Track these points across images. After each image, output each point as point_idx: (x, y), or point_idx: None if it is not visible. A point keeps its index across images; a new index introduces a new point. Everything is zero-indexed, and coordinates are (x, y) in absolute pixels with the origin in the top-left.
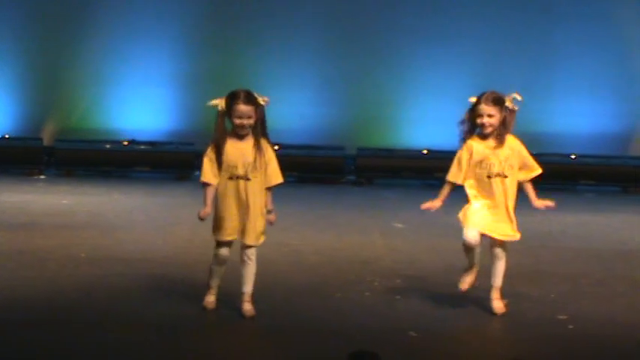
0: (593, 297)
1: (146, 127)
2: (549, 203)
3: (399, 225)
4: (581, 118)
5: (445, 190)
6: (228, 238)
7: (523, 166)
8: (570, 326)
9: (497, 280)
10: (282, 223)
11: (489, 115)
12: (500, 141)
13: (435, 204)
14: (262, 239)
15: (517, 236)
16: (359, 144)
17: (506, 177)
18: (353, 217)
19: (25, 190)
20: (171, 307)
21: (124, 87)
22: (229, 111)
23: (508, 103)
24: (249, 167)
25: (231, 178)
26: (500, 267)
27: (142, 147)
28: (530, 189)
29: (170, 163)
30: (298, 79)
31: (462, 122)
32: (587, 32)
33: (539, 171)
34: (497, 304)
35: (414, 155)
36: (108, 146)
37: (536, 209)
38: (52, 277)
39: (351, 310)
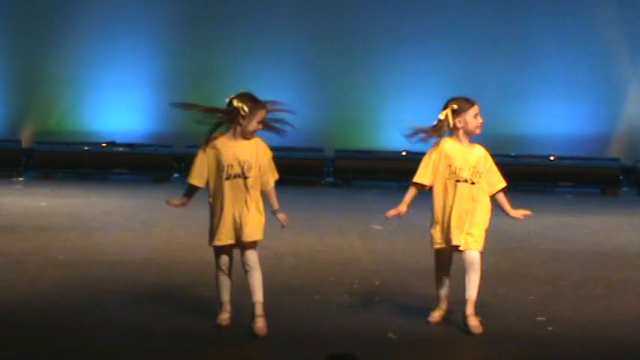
0: (572, 298)
1: (124, 129)
2: (526, 212)
3: (378, 227)
4: (559, 119)
5: (408, 195)
6: (226, 242)
7: (489, 179)
8: (549, 328)
9: (472, 292)
10: None
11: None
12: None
13: (401, 209)
14: (260, 236)
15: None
16: (337, 146)
17: (473, 184)
18: (331, 219)
19: (3, 192)
20: (149, 310)
21: (102, 89)
22: (252, 115)
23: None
24: (246, 166)
25: (228, 178)
26: (474, 278)
27: (121, 149)
28: (503, 200)
29: (148, 165)
30: (276, 81)
31: (437, 125)
32: (564, 34)
33: (503, 184)
34: (473, 322)
35: (392, 157)
36: (86, 148)
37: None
38: (30, 279)
39: (330, 312)
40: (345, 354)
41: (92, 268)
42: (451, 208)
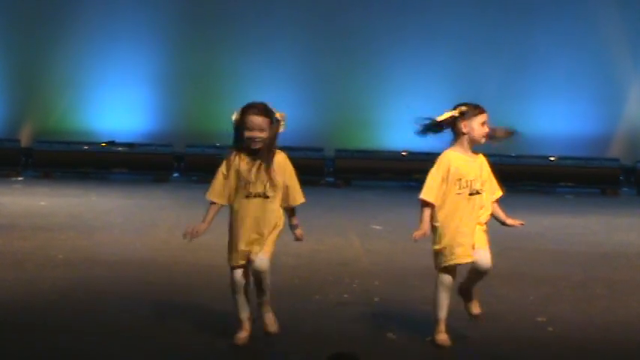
0: (572, 299)
1: (124, 129)
2: (520, 222)
3: (377, 227)
4: (559, 120)
5: (427, 214)
6: (241, 263)
7: (488, 187)
8: (549, 328)
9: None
10: None
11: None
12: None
13: (425, 230)
14: (268, 256)
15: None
16: (337, 145)
17: (481, 193)
18: (331, 219)
19: (2, 191)
20: (149, 310)
21: (102, 88)
22: (242, 123)
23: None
24: (268, 184)
25: (247, 196)
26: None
27: (120, 148)
28: (498, 209)
29: (148, 164)
30: (277, 80)
31: (437, 125)
32: (565, 33)
33: (500, 193)
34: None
35: (392, 157)
36: (86, 148)
37: (509, 226)
38: (29, 279)
39: (330, 312)
40: (345, 354)
41: (92, 267)
42: (464, 221)
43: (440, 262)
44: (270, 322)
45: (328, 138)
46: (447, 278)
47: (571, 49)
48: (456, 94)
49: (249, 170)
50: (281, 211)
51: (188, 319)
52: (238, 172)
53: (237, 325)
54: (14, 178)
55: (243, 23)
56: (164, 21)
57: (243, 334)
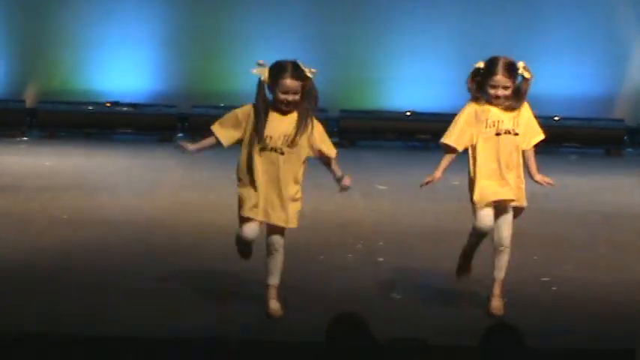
0: (576, 259)
1: (128, 89)
2: (550, 181)
3: (382, 187)
4: (563, 80)
5: (445, 160)
6: (251, 215)
7: (527, 130)
8: (553, 288)
9: (500, 273)
10: None
11: (505, 87)
12: (513, 109)
13: (436, 176)
14: (293, 224)
15: (524, 204)
16: (342, 106)
17: (517, 134)
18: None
19: (7, 152)
20: (153, 270)
21: (106, 49)
22: (273, 83)
23: (522, 71)
24: (285, 140)
25: (263, 149)
26: (504, 259)
27: (125, 109)
28: (532, 159)
29: (152, 125)
30: (281, 40)
31: (469, 87)
32: None
33: (542, 136)
34: (497, 303)
35: (397, 117)
36: (90, 108)
37: (535, 182)
38: (33, 239)
39: (334, 273)
40: (350, 315)
41: (96, 228)
42: (491, 166)
43: (473, 212)
44: (276, 308)
45: (332, 98)
46: (478, 223)
47: (575, 9)
48: (461, 54)
49: (272, 126)
50: (300, 170)
51: (191, 280)
52: (257, 125)
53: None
54: (19, 139)
55: None
56: None
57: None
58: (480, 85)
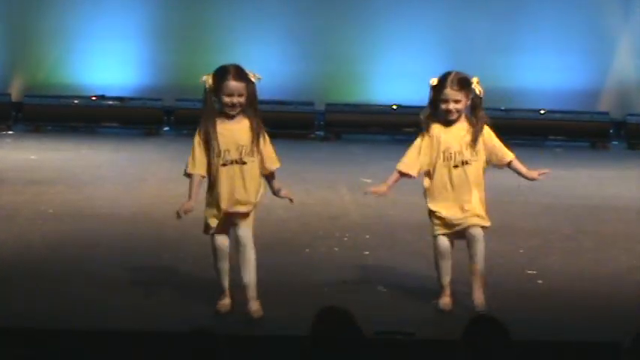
0: (562, 252)
1: (114, 83)
2: (545, 170)
3: (367, 180)
4: (549, 72)
5: (393, 177)
6: (222, 229)
7: (494, 156)
8: (539, 281)
9: (478, 266)
10: None
11: (455, 101)
12: (475, 133)
13: (381, 189)
14: (256, 200)
15: (487, 223)
16: (328, 99)
17: (470, 164)
18: (321, 173)
19: None
20: (140, 264)
21: (92, 42)
22: (217, 88)
23: (475, 86)
24: (244, 150)
25: (224, 164)
26: (479, 249)
27: (110, 102)
28: (518, 166)
29: (138, 118)
30: (267, 33)
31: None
32: None
33: (511, 157)
34: (479, 296)
35: (383, 110)
36: (76, 102)
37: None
38: (20, 233)
39: (320, 266)
40: (336, 308)
41: (82, 221)
42: (446, 196)
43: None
44: (255, 308)
45: (319, 92)
46: (439, 245)
47: (561, 2)
48: (445, 47)
49: (227, 136)
50: (261, 178)
51: (177, 274)
52: (212, 141)
53: (220, 292)
54: (4, 133)
55: None
56: None
57: (226, 301)
58: (434, 104)
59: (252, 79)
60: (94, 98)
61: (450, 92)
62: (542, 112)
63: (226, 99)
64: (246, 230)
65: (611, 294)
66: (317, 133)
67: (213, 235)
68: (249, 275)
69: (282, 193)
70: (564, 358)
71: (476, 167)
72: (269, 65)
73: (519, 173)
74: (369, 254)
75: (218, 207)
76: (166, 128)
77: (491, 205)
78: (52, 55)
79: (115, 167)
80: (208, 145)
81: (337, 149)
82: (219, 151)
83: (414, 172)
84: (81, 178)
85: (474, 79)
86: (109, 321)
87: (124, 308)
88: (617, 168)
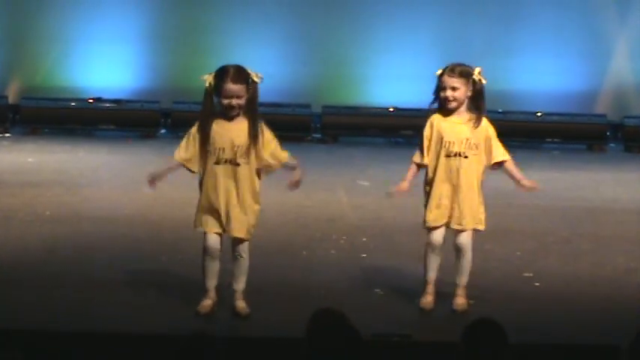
0: (559, 254)
1: (111, 85)
2: (535, 186)
3: (365, 183)
4: (546, 75)
5: (412, 172)
6: (213, 231)
7: (488, 152)
8: (536, 284)
9: (463, 278)
10: None
11: (453, 88)
12: (475, 123)
13: (403, 187)
14: (252, 231)
15: (481, 227)
16: (325, 102)
17: (466, 157)
18: (318, 175)
19: None
20: (137, 266)
21: (89, 45)
22: (217, 89)
23: (476, 76)
24: (239, 151)
25: (217, 162)
26: (465, 263)
27: (107, 105)
28: (512, 169)
29: (135, 121)
30: (264, 36)
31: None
32: None
33: (505, 157)
34: (460, 301)
35: (380, 113)
36: (73, 104)
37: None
38: (17, 235)
39: (317, 268)
40: (332, 310)
41: (80, 224)
42: (443, 185)
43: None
44: (242, 306)
45: (315, 94)
46: (431, 238)
47: (557, 5)
48: (442, 49)
49: (224, 135)
50: (256, 178)
51: (175, 276)
52: (209, 138)
53: (203, 292)
54: (2, 135)
55: None
56: None
57: (207, 302)
58: (437, 94)
59: (256, 79)
60: (91, 101)
61: (447, 79)
62: (538, 114)
63: (224, 101)
64: (244, 244)
65: (608, 296)
66: (314, 135)
67: (205, 234)
68: (240, 283)
69: (296, 175)
70: None
71: (474, 162)
72: (266, 67)
73: (512, 177)
74: (366, 256)
75: (210, 206)
76: (163, 131)
77: (488, 207)
78: (50, 57)
79: (112, 169)
80: (203, 142)
81: (334, 152)
82: (214, 149)
83: (425, 161)
84: (78, 180)
85: (476, 69)
86: (106, 323)
87: (121, 310)
88: (614, 170)
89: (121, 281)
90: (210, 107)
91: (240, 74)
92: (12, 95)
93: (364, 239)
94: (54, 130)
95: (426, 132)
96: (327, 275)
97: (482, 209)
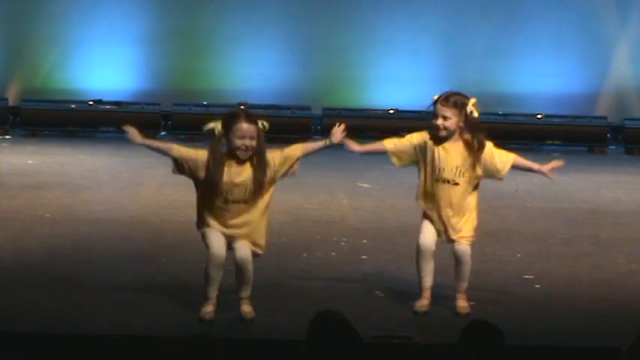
0: (559, 256)
1: (111, 87)
2: (556, 164)
3: (365, 185)
4: (547, 77)
5: (374, 146)
6: (219, 231)
7: (489, 172)
8: (537, 285)
9: (463, 283)
10: None
11: (444, 117)
12: (469, 151)
13: (356, 146)
14: (260, 250)
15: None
16: (325, 104)
17: (456, 184)
18: (318, 177)
19: None
20: (137, 268)
21: (89, 47)
22: (228, 132)
23: (470, 107)
24: (249, 191)
25: (226, 202)
26: (464, 270)
27: (107, 107)
28: (524, 163)
29: (135, 123)
30: (264, 38)
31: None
32: None
33: (511, 158)
34: (463, 304)
35: (380, 115)
36: (73, 106)
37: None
38: (17, 237)
39: (318, 270)
40: (332, 312)
41: (80, 226)
42: (431, 209)
43: None
44: (248, 310)
45: (316, 96)
46: (420, 242)
47: (558, 6)
48: (443, 52)
49: (233, 180)
50: (268, 209)
51: (175, 278)
52: (219, 185)
53: (204, 299)
54: (2, 137)
55: None
56: None
57: (210, 308)
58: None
59: (260, 127)
60: (91, 103)
61: (440, 107)
62: (539, 116)
63: (239, 142)
64: (246, 249)
65: (609, 298)
66: (314, 137)
67: (210, 241)
68: (247, 292)
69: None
70: None
71: (465, 187)
72: (266, 70)
73: (528, 169)
74: (366, 258)
75: (214, 219)
76: (163, 133)
77: (489, 210)
78: (50, 59)
79: (112, 171)
80: (208, 184)
81: (334, 154)
82: (221, 191)
83: (389, 147)
84: (78, 182)
85: (471, 101)
86: (106, 325)
87: (121, 312)
88: (615, 172)
89: (121, 283)
90: (221, 153)
91: (252, 115)
92: (12, 97)
93: (364, 241)
94: (54, 132)
95: (416, 138)
96: (328, 277)
97: (472, 227)
